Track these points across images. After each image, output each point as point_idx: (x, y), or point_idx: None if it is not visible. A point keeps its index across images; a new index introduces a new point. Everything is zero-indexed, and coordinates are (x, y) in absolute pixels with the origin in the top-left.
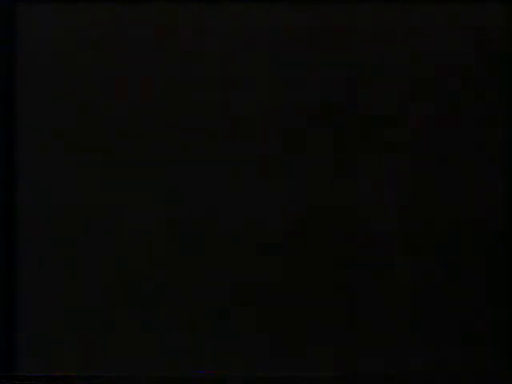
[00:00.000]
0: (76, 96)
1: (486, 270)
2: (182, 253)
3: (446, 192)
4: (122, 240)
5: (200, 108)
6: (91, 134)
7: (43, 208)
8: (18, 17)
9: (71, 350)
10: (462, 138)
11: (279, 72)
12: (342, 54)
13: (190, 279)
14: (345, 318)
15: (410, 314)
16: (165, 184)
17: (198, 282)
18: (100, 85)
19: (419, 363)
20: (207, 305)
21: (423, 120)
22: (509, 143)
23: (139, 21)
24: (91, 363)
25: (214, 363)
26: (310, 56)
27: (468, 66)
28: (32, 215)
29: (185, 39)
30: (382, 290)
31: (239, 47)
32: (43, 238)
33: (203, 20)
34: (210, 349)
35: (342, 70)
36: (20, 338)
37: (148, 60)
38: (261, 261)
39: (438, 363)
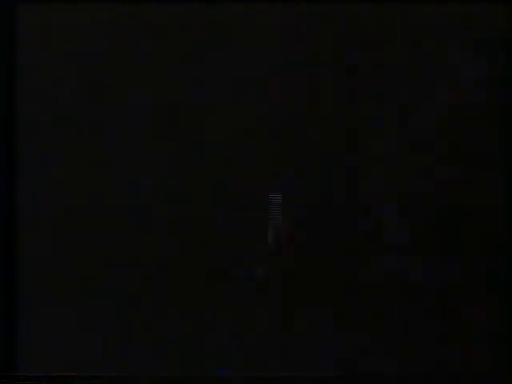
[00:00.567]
0: (76, 96)
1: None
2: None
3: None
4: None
5: (199, 107)
6: (91, 134)
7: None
8: (18, 17)
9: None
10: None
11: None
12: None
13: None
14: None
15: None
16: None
17: None
18: (100, 85)
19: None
20: None
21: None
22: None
23: (139, 21)
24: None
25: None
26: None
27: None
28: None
29: (185, 39)
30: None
31: (240, 47)
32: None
33: (203, 20)
34: None
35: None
36: (20, 338)
37: (148, 60)
38: None
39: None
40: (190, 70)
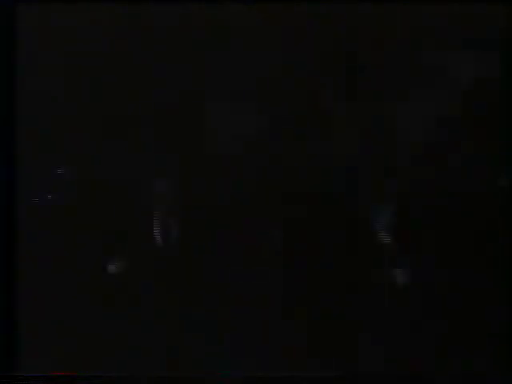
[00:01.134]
0: (76, 95)
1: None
2: None
3: None
4: None
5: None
6: (91, 133)
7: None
8: (18, 17)
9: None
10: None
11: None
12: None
13: None
14: None
15: None
16: None
17: None
18: (100, 84)
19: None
20: None
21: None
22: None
23: (139, 21)
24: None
25: None
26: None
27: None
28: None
29: (184, 39)
30: None
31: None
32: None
33: (203, 20)
34: None
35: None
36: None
37: (147, 59)
38: None
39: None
40: (189, 70)
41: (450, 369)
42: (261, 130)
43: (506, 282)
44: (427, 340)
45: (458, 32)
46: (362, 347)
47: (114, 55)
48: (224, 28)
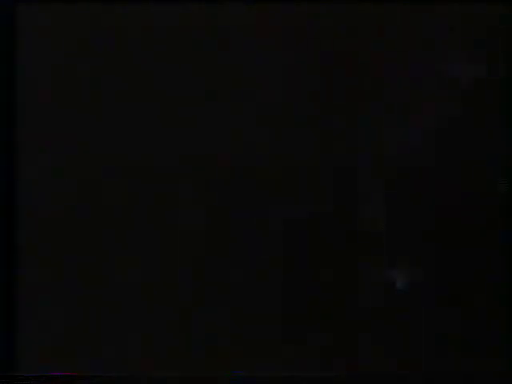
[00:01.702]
0: (75, 95)
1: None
2: None
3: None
4: None
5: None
6: (91, 134)
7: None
8: (18, 17)
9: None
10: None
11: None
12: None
13: None
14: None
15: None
16: None
17: None
18: (99, 84)
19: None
20: None
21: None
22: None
23: (139, 21)
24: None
25: None
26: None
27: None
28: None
29: (184, 39)
30: None
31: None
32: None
33: (203, 20)
34: None
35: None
36: (20, 338)
37: (147, 59)
38: None
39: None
40: (189, 70)
41: (449, 369)
42: (261, 130)
43: (506, 281)
44: (427, 340)
45: (458, 32)
46: (361, 347)
47: (113, 55)
48: (224, 28)
